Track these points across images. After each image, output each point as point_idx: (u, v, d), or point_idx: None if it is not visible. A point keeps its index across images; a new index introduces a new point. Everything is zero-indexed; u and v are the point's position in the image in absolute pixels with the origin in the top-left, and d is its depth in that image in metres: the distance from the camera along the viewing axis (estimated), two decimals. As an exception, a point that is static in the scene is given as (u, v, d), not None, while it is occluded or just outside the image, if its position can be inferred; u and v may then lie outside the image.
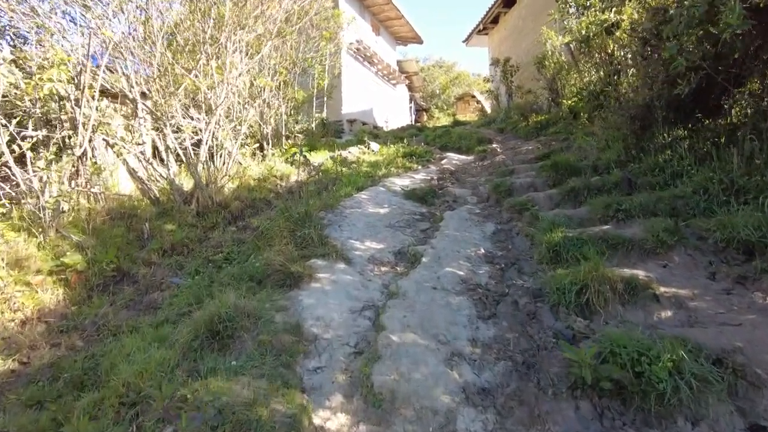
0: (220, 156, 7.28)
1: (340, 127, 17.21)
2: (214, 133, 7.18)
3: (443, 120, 27.65)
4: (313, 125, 15.88)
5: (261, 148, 10.17)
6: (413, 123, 26.92)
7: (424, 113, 31.00)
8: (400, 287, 3.55)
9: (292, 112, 11.46)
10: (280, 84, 10.56)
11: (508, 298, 3.38)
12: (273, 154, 10.01)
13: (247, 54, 7.51)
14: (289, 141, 10.69)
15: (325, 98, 15.74)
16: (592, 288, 3.03)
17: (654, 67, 5.62)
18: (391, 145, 11.27)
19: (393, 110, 23.91)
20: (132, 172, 6.30)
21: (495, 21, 18.20)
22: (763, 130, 4.35)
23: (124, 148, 6.06)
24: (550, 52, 10.83)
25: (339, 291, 3.61)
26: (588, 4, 7.77)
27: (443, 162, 9.59)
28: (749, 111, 5.37)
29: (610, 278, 3.05)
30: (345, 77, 17.45)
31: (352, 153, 10.19)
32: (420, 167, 8.96)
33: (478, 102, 26.14)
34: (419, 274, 3.80)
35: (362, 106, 19.17)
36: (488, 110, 22.98)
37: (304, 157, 9.19)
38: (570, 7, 8.17)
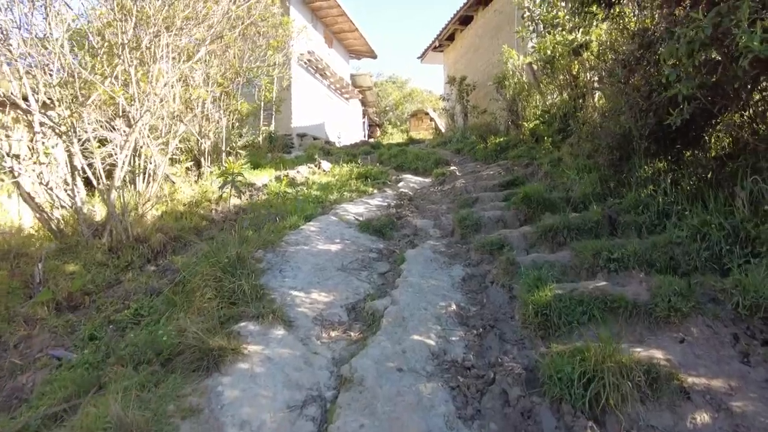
0: (144, 178, 6.22)
1: (289, 141, 16.26)
2: (136, 151, 6.13)
3: (397, 136, 27.17)
4: (260, 139, 14.91)
5: (198, 165, 9.10)
6: (366, 138, 26.29)
7: (378, 128, 30.46)
8: (355, 369, 2.72)
9: (235, 125, 10.45)
10: (221, 95, 9.56)
11: (495, 387, 2.62)
12: (211, 173, 8.96)
13: (180, 60, 6.53)
14: (231, 157, 9.66)
15: (273, 111, 14.80)
16: (605, 379, 2.32)
17: (635, 94, 5.13)
18: (344, 165, 10.47)
19: (346, 125, 23.17)
20: (28, 198, 5.16)
21: (451, 38, 17.91)
22: (762, 169, 3.89)
23: (17, 168, 4.92)
24: (510, 72, 10.43)
25: (274, 374, 2.74)
26: (555, 22, 7.34)
27: (400, 185, 8.89)
28: (730, 143, 5.00)
29: (626, 365, 2.37)
30: (295, 89, 16.55)
31: (301, 173, 9.31)
32: (376, 191, 8.20)
33: (431, 120, 25.85)
34: (379, 345, 2.98)
35: (313, 120, 18.30)
36: (442, 128, 22.68)
37: (235, 182, 8.22)
38: (536, 24, 7.72)
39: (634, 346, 2.63)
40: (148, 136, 6.50)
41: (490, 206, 6.15)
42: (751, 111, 4.77)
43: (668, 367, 2.41)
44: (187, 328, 2.89)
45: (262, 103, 11.27)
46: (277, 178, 8.53)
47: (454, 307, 3.64)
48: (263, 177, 9.29)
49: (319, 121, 18.98)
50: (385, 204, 7.22)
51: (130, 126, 5.51)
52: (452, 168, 9.97)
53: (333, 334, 3.28)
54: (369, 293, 4.00)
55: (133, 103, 5.41)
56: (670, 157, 5.18)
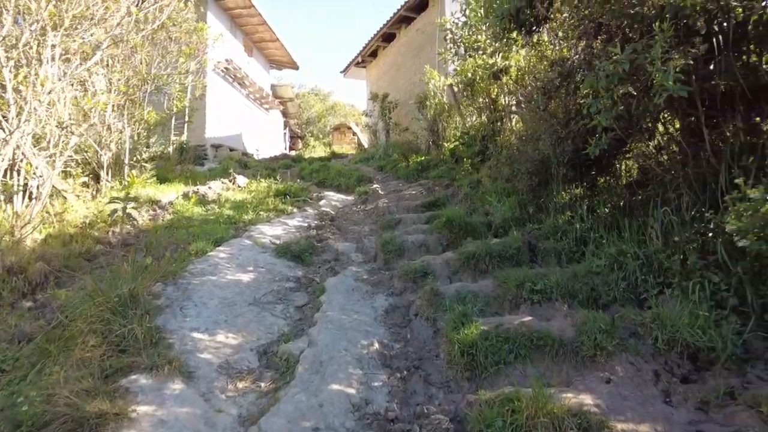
0: (24, 195, 5.40)
1: (203, 152, 15.35)
2: (14, 165, 5.32)
3: (319, 149, 26.78)
4: (170, 150, 13.94)
5: (97, 179, 8.19)
6: (288, 151, 25.67)
7: (299, 140, 29.87)
8: (263, 432, 2.37)
9: (140, 135, 9.58)
10: (125, 102, 8.72)
11: (422, 443, 2.38)
12: (112, 188, 8.10)
13: (74, 64, 5.79)
14: (135, 171, 8.81)
15: (186, 120, 13.90)
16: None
17: (553, 121, 5.24)
18: (262, 180, 9.95)
19: (265, 136, 22.41)
20: None
21: (374, 55, 17.96)
22: (670, 200, 4.05)
23: None
24: (432, 92, 10.52)
25: (166, 443, 2.31)
26: (476, 46, 7.44)
27: (322, 203, 8.55)
28: (638, 172, 5.24)
29: (558, 415, 2.23)
30: (211, 98, 15.71)
31: (213, 189, 8.68)
32: (295, 210, 7.80)
33: (354, 134, 25.78)
34: (293, 399, 2.64)
35: (230, 131, 17.46)
36: (365, 144, 22.66)
37: (126, 208, 7.50)
38: (458, 47, 7.80)
39: (564, 391, 2.51)
40: (33, 148, 5.69)
41: (413, 229, 6.01)
42: (656, 142, 5.03)
43: (598, 414, 2.30)
44: (58, 393, 2.37)
45: (173, 112, 10.43)
46: (186, 195, 7.85)
47: (376, 345, 3.38)
48: (170, 193, 8.53)
49: (237, 132, 18.16)
50: (306, 225, 6.86)
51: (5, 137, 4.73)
52: (375, 186, 9.81)
53: (240, 385, 2.88)
54: (284, 332, 3.63)
55: (8, 110, 4.65)
56: (585, 184, 5.33)
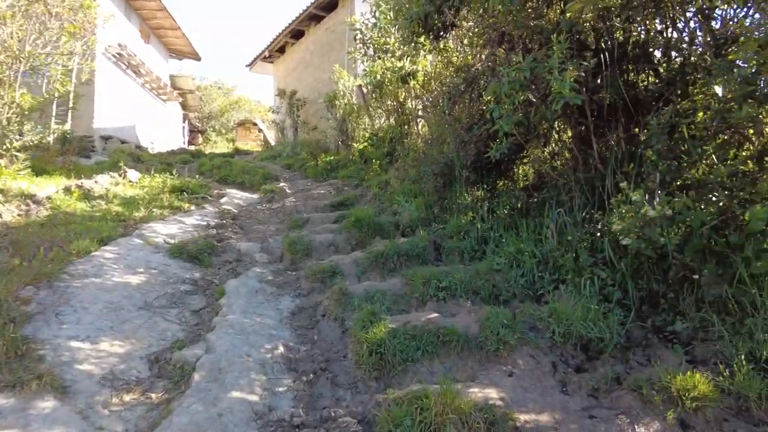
0: None
1: (90, 144, 13.95)
2: None
3: (222, 146, 25.57)
4: (50, 139, 12.51)
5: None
6: (187, 145, 24.19)
7: (200, 135, 28.30)
8: (153, 450, 2.13)
9: (11, 120, 8.42)
10: (-9, 81, 7.65)
11: (329, 448, 2.29)
12: (-27, 178, 7.04)
13: None
14: (3, 160, 7.73)
15: (70, 107, 12.53)
16: (447, 430, 2.17)
17: (457, 125, 5.41)
18: (156, 175, 9.23)
19: (162, 129, 20.91)
20: None
21: (282, 51, 17.51)
22: (564, 202, 4.34)
23: None
24: (342, 92, 10.46)
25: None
26: (386, 48, 7.50)
27: (223, 201, 8.11)
28: (533, 176, 5.58)
29: (465, 411, 2.25)
30: (101, 85, 14.33)
31: (101, 183, 7.88)
32: (193, 208, 7.31)
33: (260, 131, 24.95)
34: (188, 410, 2.41)
35: (122, 121, 16.06)
36: (271, 141, 22.03)
37: None
38: (367, 48, 7.81)
39: (470, 386, 2.55)
40: None
41: (322, 228, 5.89)
42: (551, 148, 5.39)
43: (503, 407, 2.37)
44: None
45: (56, 98, 9.30)
46: (67, 189, 7.03)
47: (281, 349, 3.22)
48: (49, 186, 7.61)
49: (130, 123, 16.75)
50: (204, 223, 6.45)
51: None
52: (282, 184, 9.52)
53: (127, 398, 2.58)
54: (179, 338, 3.34)
55: None
56: (486, 186, 5.57)
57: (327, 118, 11.47)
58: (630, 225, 3.25)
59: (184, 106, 25.05)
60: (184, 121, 25.42)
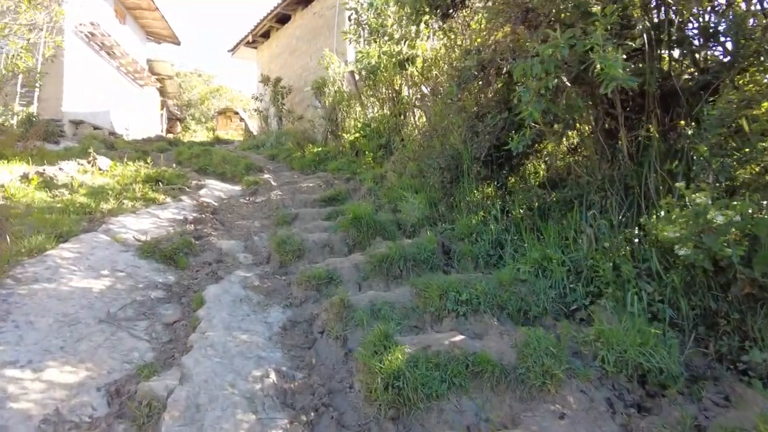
0: None
1: (58, 128, 12.98)
2: None
3: (201, 134, 24.61)
4: (14, 122, 11.61)
5: None
6: (164, 133, 23.16)
7: (179, 123, 27.22)
8: None
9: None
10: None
11: None
12: None
13: None
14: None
15: (38, 88, 11.64)
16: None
17: (464, 115, 4.87)
18: (130, 163, 8.47)
19: (139, 116, 19.90)
20: None
21: (266, 36, 16.71)
22: (594, 202, 3.84)
23: None
24: (332, 79, 9.81)
25: None
26: (383, 30, 6.90)
27: (202, 193, 7.44)
28: (546, 172, 5.08)
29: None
30: (70, 65, 13.40)
31: (66, 170, 7.12)
32: (169, 200, 6.62)
33: (241, 120, 24.06)
34: (154, 472, 1.83)
35: (95, 106, 15.10)
36: (253, 130, 21.21)
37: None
38: (362, 30, 7.20)
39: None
40: None
41: (313, 225, 5.30)
42: (571, 141, 4.88)
43: (562, 468, 1.84)
44: None
45: (16, 75, 8.45)
46: (25, 177, 6.27)
47: (273, 377, 2.64)
48: (4, 174, 6.83)
49: (103, 108, 15.79)
50: (181, 218, 5.78)
51: None
52: (266, 176, 8.87)
53: (73, 451, 1.99)
54: (147, 362, 2.73)
55: None
56: (497, 183, 5.05)
57: (315, 106, 10.81)
58: (688, 232, 2.76)
59: (162, 92, 23.98)
60: (162, 108, 24.36)
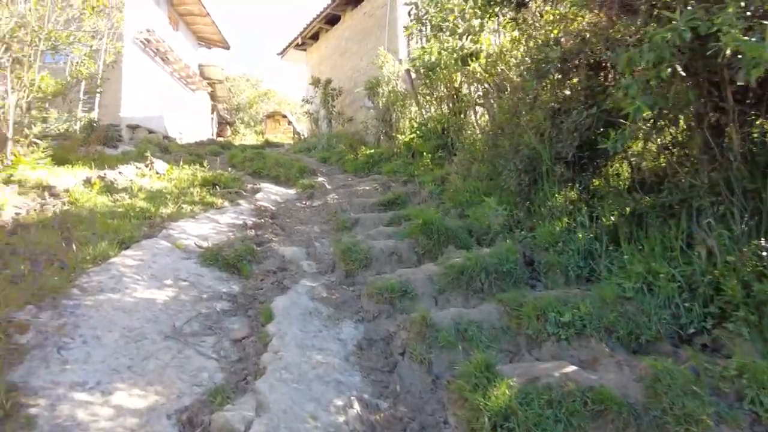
0: None
1: (117, 133, 13.35)
2: None
3: (250, 138, 24.98)
4: (77, 128, 11.98)
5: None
6: (215, 137, 23.64)
7: (228, 127, 27.76)
8: None
9: (32, 105, 7.78)
10: (12, 61, 7.01)
11: None
12: (-12, 168, 6.41)
13: None
14: (22, 148, 7.07)
15: (99, 95, 11.97)
16: None
17: (540, 113, 4.46)
18: (185, 167, 8.49)
19: (191, 119, 20.36)
20: None
21: (315, 37, 16.68)
22: (703, 209, 3.36)
23: None
24: (386, 78, 9.54)
25: None
26: (445, 25, 6.55)
27: (259, 197, 7.31)
28: (630, 173, 4.59)
29: None
30: (128, 71, 13.75)
31: (125, 174, 7.17)
32: (227, 204, 6.51)
33: (289, 123, 24.26)
34: None
35: (150, 111, 15.48)
36: (301, 133, 21.30)
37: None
38: (423, 25, 6.87)
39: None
40: None
41: (376, 232, 5.02)
42: (666, 139, 4.38)
43: None
44: None
45: (79, 82, 8.62)
46: (88, 181, 6.31)
47: (356, 407, 2.35)
48: (69, 177, 6.93)
49: (158, 113, 16.17)
50: (240, 222, 5.63)
51: None
52: (320, 179, 8.69)
53: (147, 496, 1.76)
54: (217, 384, 2.50)
55: None
56: (579, 186, 4.60)
57: (367, 107, 10.57)
58: None
59: (212, 96, 24.50)
60: (212, 112, 24.90)
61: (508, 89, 6.28)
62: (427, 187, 6.45)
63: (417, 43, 8.00)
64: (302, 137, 17.13)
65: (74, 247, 3.80)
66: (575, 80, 4.30)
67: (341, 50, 14.74)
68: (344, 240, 4.44)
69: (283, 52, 18.24)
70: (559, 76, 4.48)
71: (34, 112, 7.85)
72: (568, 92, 4.46)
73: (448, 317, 3.02)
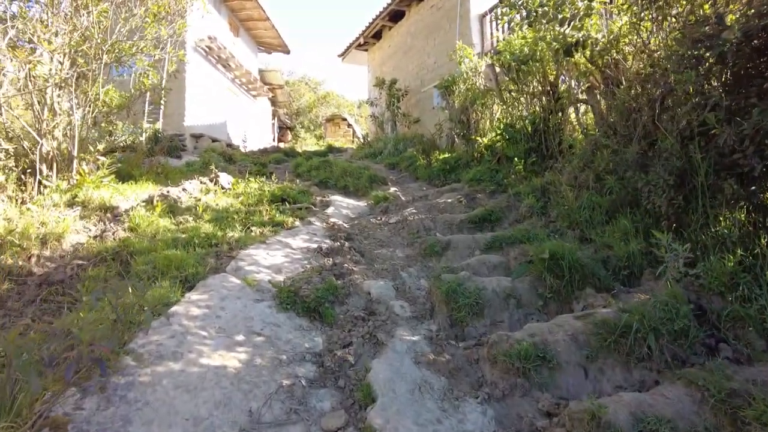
0: None
1: (181, 143, 13.27)
2: None
3: (310, 141, 24.76)
4: (143, 139, 11.91)
5: (36, 175, 6.16)
6: (276, 143, 23.58)
7: (289, 132, 27.74)
8: None
9: (97, 120, 7.51)
10: (77, 77, 6.74)
11: None
12: (57, 188, 6.12)
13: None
14: (87, 165, 6.77)
15: (163, 105, 11.84)
16: None
17: (691, 108, 3.40)
18: (252, 179, 7.97)
19: (252, 126, 20.29)
20: None
21: (377, 36, 15.98)
22: None
23: None
24: (465, 75, 8.61)
25: None
26: (542, 11, 5.56)
27: (329, 212, 6.63)
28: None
29: None
30: (191, 80, 13.64)
31: (189, 191, 6.69)
32: (298, 223, 5.86)
33: (349, 126, 23.78)
34: None
35: (213, 119, 15.36)
36: (360, 136, 20.73)
37: (54, 217, 5.54)
38: (518, 10, 5.90)
39: None
40: None
41: (477, 262, 4.16)
42: None
43: None
44: None
45: (141, 93, 8.31)
46: (149, 202, 5.85)
47: None
48: (133, 195, 6.55)
49: (220, 120, 16.06)
50: (315, 246, 4.94)
51: None
52: (392, 189, 7.92)
53: None
54: None
55: None
56: (749, 204, 3.51)
57: (441, 107, 9.68)
58: None
59: (273, 102, 24.46)
60: (273, 118, 24.86)
61: (623, 83, 5.23)
62: (526, 201, 5.50)
63: (502, 33, 7.04)
64: (365, 141, 16.47)
65: (130, 290, 3.20)
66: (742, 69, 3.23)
67: (406, 48, 13.93)
68: (444, 277, 3.61)
69: (344, 54, 17.69)
70: (718, 66, 3.43)
71: (99, 127, 7.59)
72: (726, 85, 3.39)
73: (624, 411, 2.12)
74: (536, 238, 4.39)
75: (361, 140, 18.58)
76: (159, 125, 12.74)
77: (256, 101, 21.01)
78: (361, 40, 16.00)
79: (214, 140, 14.69)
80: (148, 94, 10.02)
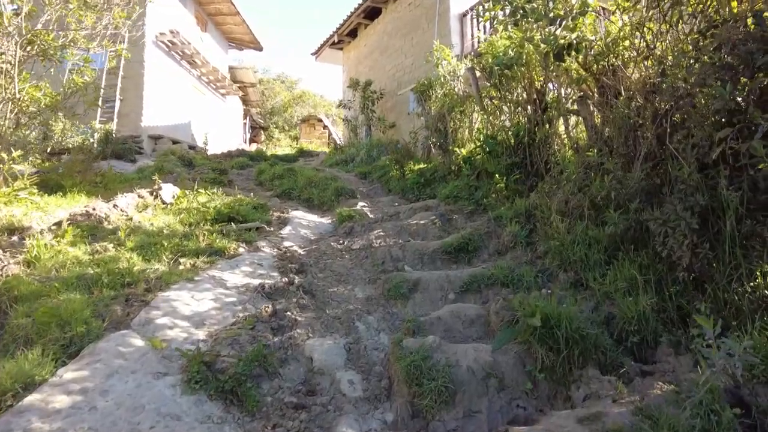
0: None
1: (137, 145, 12.22)
2: None
3: (284, 143, 23.79)
4: (93, 141, 10.89)
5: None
6: (248, 143, 22.53)
7: (262, 132, 26.64)
8: None
9: (18, 120, 6.47)
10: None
11: None
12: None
13: None
14: (0, 175, 5.76)
15: (117, 102, 10.82)
16: None
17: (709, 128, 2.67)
18: (201, 191, 7.04)
19: (221, 126, 19.21)
20: None
21: (353, 34, 15.13)
22: None
23: None
24: (443, 79, 7.82)
25: None
26: (530, 7, 4.80)
27: (285, 233, 5.77)
28: None
29: None
30: (150, 77, 12.61)
31: (122, 206, 5.74)
32: (243, 249, 4.98)
33: (325, 127, 22.87)
34: None
35: (175, 119, 14.30)
36: (337, 138, 19.87)
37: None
38: (504, 6, 5.11)
39: None
40: None
41: (449, 313, 3.36)
42: None
43: None
44: None
45: (73, 91, 7.22)
46: (60, 225, 4.87)
47: None
48: (58, 211, 5.60)
49: (184, 121, 15.00)
50: (257, 282, 4.07)
51: None
52: (361, 204, 7.10)
53: None
54: None
55: None
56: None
57: (418, 113, 8.89)
58: None
59: (245, 101, 23.37)
60: (245, 118, 23.76)
61: (622, 93, 4.52)
62: (509, 227, 4.72)
63: (484, 33, 6.29)
64: (338, 145, 15.60)
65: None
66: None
67: (382, 47, 13.11)
68: (407, 345, 2.80)
69: (317, 52, 16.77)
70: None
71: (20, 132, 6.58)
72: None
73: None
74: (522, 280, 3.63)
75: (337, 143, 17.71)
76: (113, 125, 11.69)
77: (225, 100, 19.93)
78: (336, 38, 15.13)
79: (175, 142, 13.63)
80: (102, 91, 9.02)
